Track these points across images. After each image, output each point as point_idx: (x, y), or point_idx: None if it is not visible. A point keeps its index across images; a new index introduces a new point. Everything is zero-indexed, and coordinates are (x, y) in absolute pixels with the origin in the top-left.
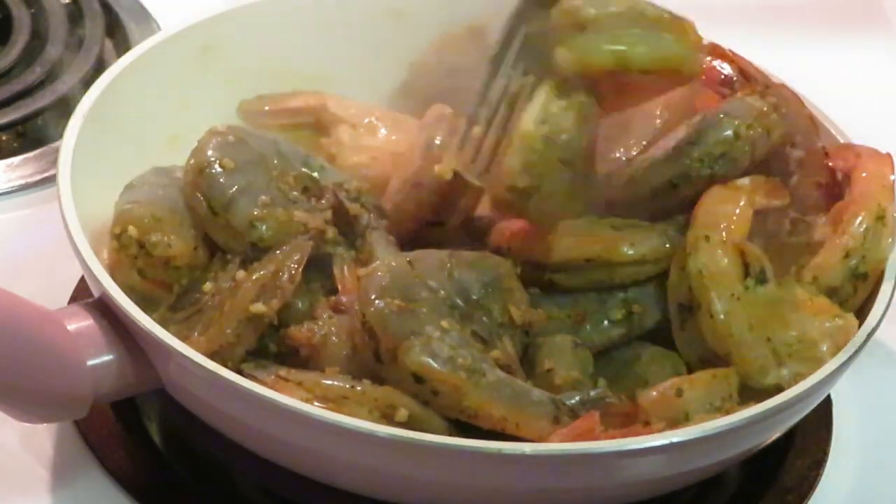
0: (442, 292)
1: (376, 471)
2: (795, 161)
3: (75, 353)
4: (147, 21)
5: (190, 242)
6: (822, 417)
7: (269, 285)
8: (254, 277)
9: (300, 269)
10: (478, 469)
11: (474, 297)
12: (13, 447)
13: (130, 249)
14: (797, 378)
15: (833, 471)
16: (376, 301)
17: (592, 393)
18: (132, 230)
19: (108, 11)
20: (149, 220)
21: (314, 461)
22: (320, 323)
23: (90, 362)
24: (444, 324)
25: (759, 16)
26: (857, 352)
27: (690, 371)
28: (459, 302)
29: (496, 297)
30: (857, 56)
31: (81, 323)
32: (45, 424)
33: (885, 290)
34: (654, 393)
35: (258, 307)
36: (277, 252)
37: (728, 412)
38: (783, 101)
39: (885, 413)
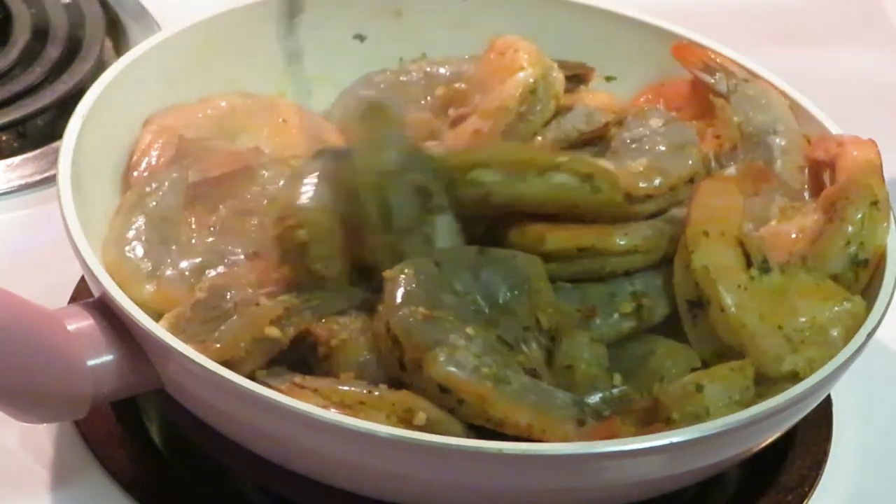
0: (467, 296)
1: (377, 471)
2: (779, 148)
3: (75, 353)
4: (147, 21)
5: (342, 269)
6: (822, 417)
7: (295, 310)
8: (280, 298)
9: (329, 314)
10: (478, 469)
11: (500, 301)
12: (13, 447)
13: (286, 242)
14: (812, 364)
15: (833, 471)
16: (401, 309)
17: (615, 391)
18: (303, 234)
19: (108, 11)
20: (325, 231)
21: (316, 462)
22: (343, 322)
23: (90, 362)
24: (469, 330)
25: (759, 16)
26: (856, 352)
27: (704, 365)
28: (485, 306)
29: (523, 299)
30: (857, 56)
31: (81, 323)
32: (45, 424)
33: (885, 290)
34: (674, 389)
35: (272, 331)
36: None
37: (747, 405)
38: (763, 91)
39: (885, 413)
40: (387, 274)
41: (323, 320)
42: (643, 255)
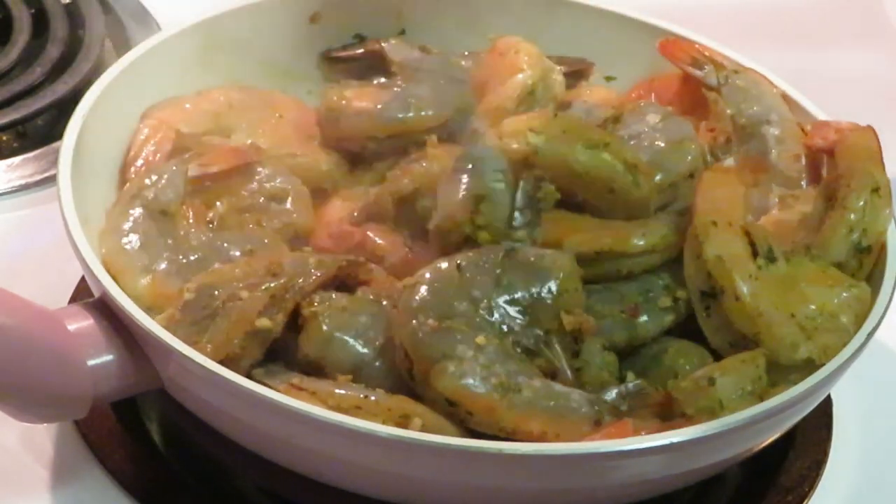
0: (484, 302)
1: (377, 471)
2: (773, 138)
3: (75, 353)
4: (147, 21)
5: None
6: (822, 417)
7: (279, 297)
8: (263, 287)
9: (311, 289)
10: (478, 469)
11: (521, 305)
12: (13, 447)
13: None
14: (826, 350)
15: (833, 471)
16: (411, 321)
17: (630, 385)
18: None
19: (108, 11)
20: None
21: (316, 462)
22: (325, 296)
23: (90, 362)
24: (480, 339)
25: (759, 16)
26: (856, 352)
27: (718, 358)
28: (502, 312)
29: (547, 301)
30: (857, 56)
31: (81, 323)
32: (45, 424)
33: (886, 289)
34: (687, 384)
35: (263, 322)
36: (310, 266)
37: (761, 396)
38: (753, 82)
39: (885, 413)
40: (405, 280)
41: (318, 297)
42: (660, 254)
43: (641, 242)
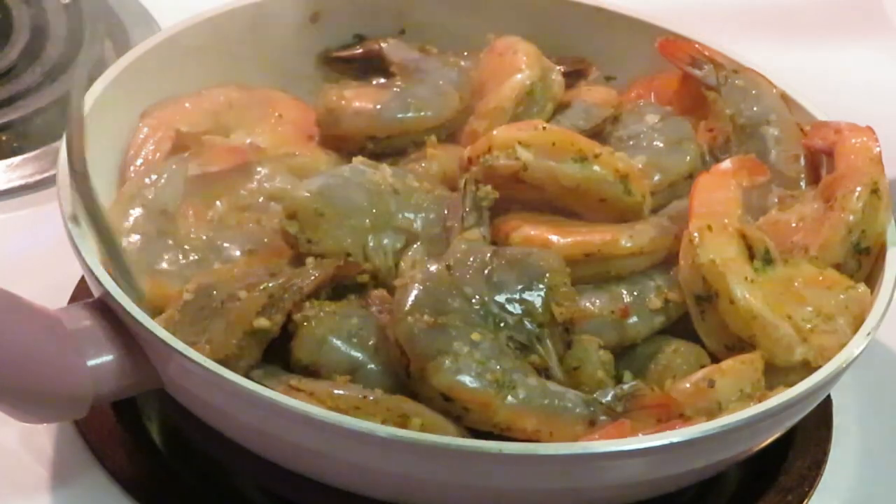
0: (476, 298)
1: (377, 471)
2: (772, 138)
3: (75, 353)
4: (147, 21)
5: (329, 248)
6: (822, 417)
7: (277, 297)
8: (261, 287)
9: (310, 290)
10: (477, 469)
11: (513, 300)
12: (13, 447)
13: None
14: (822, 352)
15: (833, 471)
16: (406, 319)
17: (626, 386)
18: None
19: (108, 11)
20: (312, 215)
21: (316, 462)
22: (318, 304)
23: (90, 362)
24: (475, 336)
25: (760, 16)
26: (857, 356)
27: (714, 360)
28: (495, 308)
29: (537, 296)
30: (857, 56)
31: (81, 323)
32: (45, 424)
33: (885, 290)
34: (687, 385)
35: (261, 322)
36: (308, 267)
37: (760, 399)
38: (753, 82)
39: (885, 413)
40: (398, 281)
41: (308, 304)
42: (648, 256)
43: (629, 245)
